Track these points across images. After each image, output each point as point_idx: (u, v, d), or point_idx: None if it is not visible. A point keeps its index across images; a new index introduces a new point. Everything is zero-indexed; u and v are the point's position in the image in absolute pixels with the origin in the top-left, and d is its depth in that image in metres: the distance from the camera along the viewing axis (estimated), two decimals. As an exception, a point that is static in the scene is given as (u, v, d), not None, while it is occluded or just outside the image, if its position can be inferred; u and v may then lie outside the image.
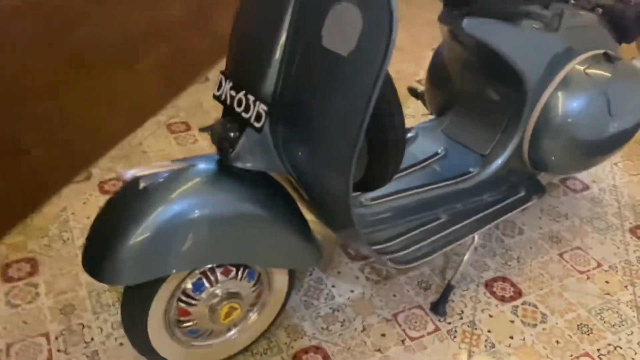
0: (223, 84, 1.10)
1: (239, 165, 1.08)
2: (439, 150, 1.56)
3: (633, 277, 1.62)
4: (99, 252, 1.02)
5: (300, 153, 1.06)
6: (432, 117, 1.78)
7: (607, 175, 2.04)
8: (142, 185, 1.03)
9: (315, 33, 0.97)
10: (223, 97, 1.09)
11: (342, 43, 0.94)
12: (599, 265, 1.66)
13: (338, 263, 1.60)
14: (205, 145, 2.08)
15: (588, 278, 1.61)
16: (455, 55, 1.54)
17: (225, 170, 1.09)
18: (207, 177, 1.08)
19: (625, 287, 1.59)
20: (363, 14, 0.91)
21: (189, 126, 2.19)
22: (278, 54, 1.02)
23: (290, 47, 1.01)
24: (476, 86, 1.54)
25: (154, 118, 2.23)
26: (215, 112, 2.29)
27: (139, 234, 0.99)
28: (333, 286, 1.53)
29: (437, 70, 1.68)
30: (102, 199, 1.79)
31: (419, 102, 1.90)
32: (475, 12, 1.26)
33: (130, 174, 1.01)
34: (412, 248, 1.32)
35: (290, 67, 1.02)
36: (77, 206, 1.75)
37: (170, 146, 2.07)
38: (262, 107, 1.01)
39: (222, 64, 2.62)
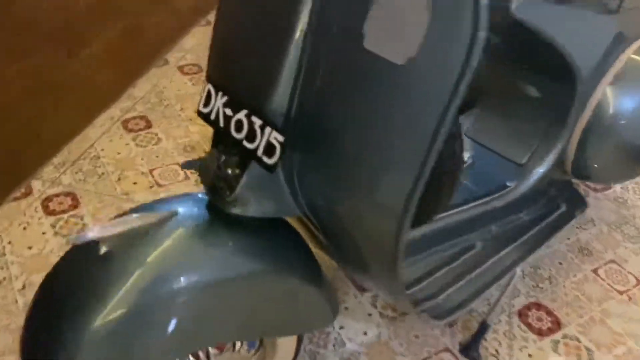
0: (212, 97, 0.78)
1: (239, 212, 0.78)
2: (467, 159, 1.29)
3: (677, 295, 1.42)
4: (47, 342, 0.71)
5: (327, 192, 0.77)
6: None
7: (630, 171, 1.83)
8: (103, 249, 0.72)
9: (351, 28, 0.67)
10: (213, 116, 0.78)
11: (396, 46, 0.64)
12: (639, 282, 1.45)
13: (344, 294, 1.33)
14: (169, 147, 1.75)
15: (630, 299, 1.40)
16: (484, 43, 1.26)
17: (218, 217, 0.79)
18: (194, 229, 0.78)
19: (672, 308, 1.39)
20: (431, 2, 0.61)
21: (148, 122, 1.85)
22: (293, 58, 0.71)
23: (311, 48, 0.71)
24: (510, 79, 1.27)
25: (106, 113, 1.86)
26: (180, 103, 1.95)
27: (105, 316, 0.70)
28: (341, 327, 1.26)
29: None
30: (48, 222, 1.44)
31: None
32: (527, -8, 0.98)
33: (86, 236, 0.70)
34: (450, 290, 1.06)
35: (311, 77, 0.71)
36: (16, 233, 1.41)
37: (127, 148, 1.72)
38: (275, 137, 0.71)
39: (182, 45, 2.28)
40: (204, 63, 2.15)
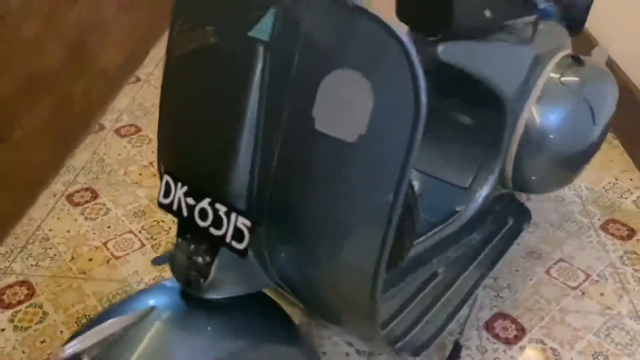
0: (172, 188, 0.80)
1: (215, 296, 0.79)
2: (415, 189, 1.35)
3: (623, 282, 1.53)
4: None
5: (297, 265, 0.79)
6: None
7: (562, 169, 1.96)
8: (86, 360, 0.72)
9: (301, 113, 0.71)
10: (176, 207, 0.79)
11: (345, 125, 0.68)
12: (588, 276, 1.55)
13: (320, 338, 1.36)
14: (120, 215, 1.72)
15: (583, 293, 1.50)
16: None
17: (194, 303, 0.80)
18: (172, 322, 0.78)
19: (620, 296, 1.49)
20: (374, 83, 0.66)
21: (94, 192, 1.81)
22: (247, 143, 0.74)
23: (264, 132, 0.74)
24: (448, 111, 1.35)
25: (48, 190, 1.82)
26: (123, 168, 1.92)
27: None
28: (323, 373, 1.28)
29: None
30: (4, 318, 1.39)
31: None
32: (450, 37, 1.05)
33: (66, 353, 0.69)
34: (422, 323, 1.10)
35: (268, 158, 0.74)
36: (-28, 335, 1.35)
37: (76, 224, 1.69)
38: (242, 222, 0.73)
39: (115, 106, 2.25)
40: (140, 122, 2.15)
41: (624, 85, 2.10)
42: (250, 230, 0.73)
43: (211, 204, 0.76)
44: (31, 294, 1.46)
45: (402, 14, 1.07)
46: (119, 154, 1.99)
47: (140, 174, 1.89)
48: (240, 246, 0.74)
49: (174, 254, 0.78)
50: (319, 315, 0.92)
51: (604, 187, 1.89)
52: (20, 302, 1.44)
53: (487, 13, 1.05)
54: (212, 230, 0.76)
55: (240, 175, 0.75)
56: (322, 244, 0.75)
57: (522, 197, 1.51)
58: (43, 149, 1.81)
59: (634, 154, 2.02)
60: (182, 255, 0.77)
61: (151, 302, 0.80)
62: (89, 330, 0.73)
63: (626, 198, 1.84)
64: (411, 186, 0.85)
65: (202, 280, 0.77)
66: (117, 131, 2.12)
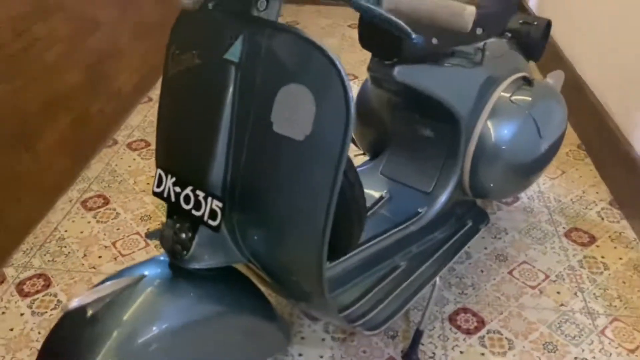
0: (164, 179, 0.99)
1: (195, 266, 0.98)
2: (383, 194, 1.53)
3: (579, 283, 1.68)
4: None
5: (262, 241, 0.98)
6: (362, 155, 1.76)
7: (532, 183, 2.12)
8: (89, 312, 0.90)
9: (263, 118, 0.90)
10: (166, 194, 0.99)
11: (296, 127, 0.87)
12: (547, 276, 1.71)
13: (300, 327, 1.53)
14: (128, 219, 1.92)
15: (541, 292, 1.65)
16: (384, 99, 1.52)
17: (179, 273, 0.99)
18: (160, 286, 0.97)
19: (575, 294, 1.65)
20: (315, 94, 0.85)
21: (106, 199, 2.02)
22: (222, 143, 0.94)
23: (236, 134, 0.93)
24: (409, 126, 1.53)
25: (65, 196, 2.03)
26: (133, 178, 2.13)
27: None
28: (300, 355, 1.45)
29: (366, 110, 1.65)
30: (23, 304, 1.59)
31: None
32: (404, 60, 1.25)
33: (74, 303, 0.88)
34: (380, 307, 1.27)
35: (238, 155, 0.94)
36: (-4, 318, 1.54)
37: (89, 226, 1.89)
38: (216, 204, 0.92)
39: (128, 123, 2.47)
40: (150, 138, 2.37)
41: (594, 108, 2.27)
42: (222, 210, 0.92)
43: (193, 191, 0.95)
44: (47, 284, 1.66)
45: (364, 43, 1.27)
46: (129, 166, 2.20)
47: (147, 183, 2.10)
48: (214, 223, 0.93)
49: (163, 231, 0.97)
50: (282, 289, 1.10)
51: (571, 199, 2.05)
52: (37, 292, 1.63)
53: (434, 40, 1.24)
54: (193, 212, 0.95)
55: (217, 168, 0.95)
56: (281, 222, 0.94)
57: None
58: (62, 160, 2.02)
59: (602, 170, 2.18)
60: (169, 232, 0.96)
61: (144, 271, 0.99)
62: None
63: (591, 209, 2.00)
64: (357, 179, 1.03)
65: (185, 252, 0.96)
66: (129, 145, 2.33)
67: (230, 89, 0.92)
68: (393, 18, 0.82)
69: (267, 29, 0.89)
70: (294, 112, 0.87)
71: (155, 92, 2.75)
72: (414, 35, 0.80)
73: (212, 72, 0.94)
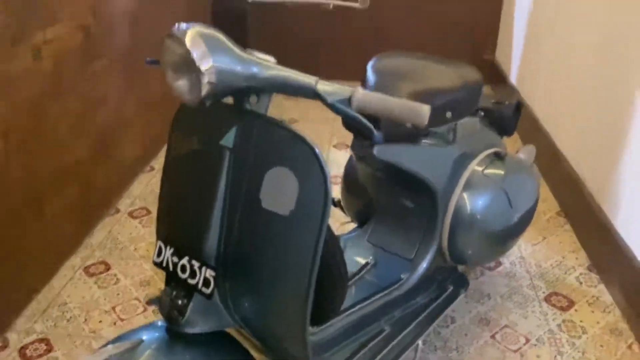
0: (163, 250, 1.10)
1: (190, 331, 1.07)
2: (369, 261, 1.63)
3: (559, 346, 1.76)
4: None
5: (251, 307, 1.08)
6: (350, 222, 1.88)
7: (514, 248, 2.22)
8: (93, 374, 0.99)
9: (253, 196, 1.02)
10: (164, 264, 1.10)
11: (281, 204, 0.99)
12: (528, 340, 1.78)
13: (289, 390, 1.59)
14: (128, 284, 2.01)
15: (522, 355, 1.73)
16: (368, 173, 1.66)
17: (176, 338, 1.08)
18: (157, 350, 1.06)
19: (555, 357, 1.72)
20: (298, 176, 0.98)
21: (107, 265, 2.12)
22: (217, 217, 1.05)
23: (229, 210, 1.05)
24: (392, 197, 1.66)
25: (68, 262, 2.13)
26: (133, 245, 2.24)
27: None
28: (290, 417, 1.51)
29: (352, 181, 1.78)
30: (26, 368, 1.66)
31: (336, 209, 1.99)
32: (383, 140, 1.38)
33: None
34: (364, 370, 1.35)
35: (231, 228, 1.05)
36: (-2, 382, 1.61)
37: (91, 291, 1.98)
38: (209, 273, 1.03)
39: (131, 192, 2.60)
40: (151, 207, 2.49)
41: (571, 177, 2.41)
42: (215, 278, 1.02)
43: (189, 261, 1.06)
44: (49, 349, 1.73)
45: (346, 125, 1.41)
46: (131, 233, 2.31)
47: (147, 250, 2.20)
48: (207, 291, 1.03)
49: (161, 297, 1.07)
50: (270, 354, 1.18)
51: (551, 265, 2.15)
52: (39, 356, 1.70)
53: (408, 124, 1.38)
54: (189, 280, 1.06)
55: (211, 240, 1.06)
56: (268, 289, 1.04)
57: None
58: (68, 227, 2.14)
59: (581, 236, 2.29)
60: (166, 298, 1.06)
61: (143, 335, 1.08)
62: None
63: (570, 274, 2.10)
64: (338, 248, 1.14)
65: (181, 317, 1.06)
66: (130, 213, 2.45)
67: (225, 171, 1.05)
68: (358, 117, 0.97)
69: (258, 120, 1.03)
70: (280, 191, 1.00)
71: (157, 162, 2.90)
72: (375, 133, 0.94)
73: (209, 155, 1.07)
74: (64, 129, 2.09)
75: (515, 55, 3.49)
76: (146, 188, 2.66)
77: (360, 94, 0.95)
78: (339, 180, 1.87)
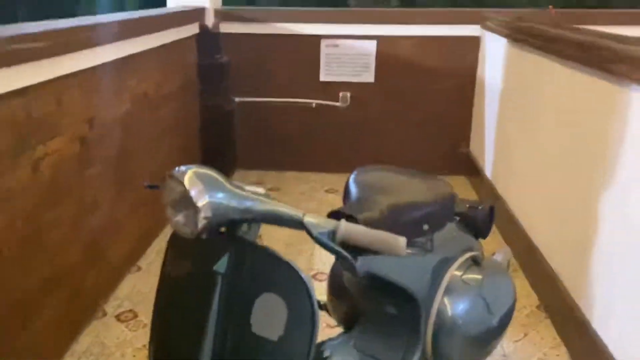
0: (157, 374, 1.15)
1: None
2: None
3: None
4: None
5: None
6: (336, 326, 1.92)
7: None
8: None
9: (244, 320, 1.09)
10: (157, 386, 1.14)
11: (271, 329, 1.06)
12: None
13: None
14: (115, 393, 2.00)
15: None
16: (353, 280, 1.73)
17: None
18: None
19: None
20: (287, 302, 1.05)
21: (93, 373, 2.11)
22: (209, 341, 1.11)
23: (221, 334, 1.11)
24: (376, 304, 1.72)
25: (53, 371, 2.12)
26: (120, 350, 2.24)
27: None
28: None
29: (337, 286, 1.85)
30: None
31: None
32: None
33: None
34: None
35: (223, 353, 1.11)
36: None
37: (76, 402, 1.96)
38: (201, 397, 1.07)
39: (116, 294, 2.62)
40: (138, 308, 2.51)
41: (547, 273, 2.50)
42: (207, 403, 1.07)
43: (181, 383, 1.10)
44: None
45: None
46: (117, 338, 2.32)
47: (134, 356, 2.20)
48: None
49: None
50: None
51: (533, 362, 2.19)
52: None
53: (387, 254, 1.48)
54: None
55: (204, 362, 1.11)
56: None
57: None
58: (54, 337, 2.14)
59: (561, 332, 2.35)
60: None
61: None
62: None
63: (552, 371, 2.14)
64: None
65: None
66: (117, 317, 2.46)
67: (217, 295, 1.12)
68: (342, 252, 1.06)
69: (249, 247, 1.11)
70: (269, 317, 1.06)
71: (144, 261, 2.93)
72: (356, 265, 1.03)
73: (203, 280, 1.14)
74: (57, 236, 2.15)
75: (488, 150, 3.68)
76: (133, 289, 2.68)
77: (344, 227, 1.05)
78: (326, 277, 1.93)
